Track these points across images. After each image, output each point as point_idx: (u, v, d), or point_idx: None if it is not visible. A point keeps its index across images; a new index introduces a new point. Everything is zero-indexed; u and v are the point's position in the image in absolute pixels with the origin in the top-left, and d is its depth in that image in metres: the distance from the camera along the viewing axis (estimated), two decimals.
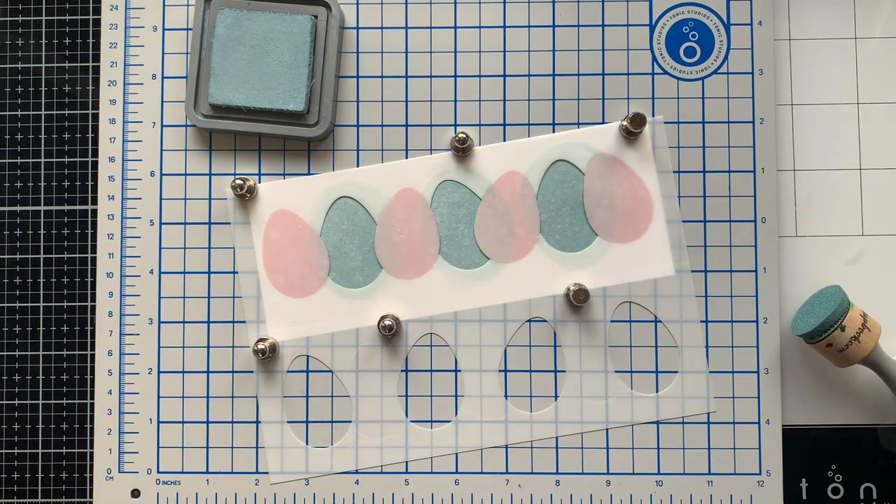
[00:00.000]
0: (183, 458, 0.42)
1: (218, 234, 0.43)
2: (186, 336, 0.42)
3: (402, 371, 0.42)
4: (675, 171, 0.42)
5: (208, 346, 0.42)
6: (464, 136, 0.41)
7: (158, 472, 0.42)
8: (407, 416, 0.42)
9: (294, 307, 0.42)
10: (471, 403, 0.42)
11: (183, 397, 0.42)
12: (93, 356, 0.43)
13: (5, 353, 0.43)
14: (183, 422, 0.42)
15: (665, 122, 0.42)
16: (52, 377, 0.43)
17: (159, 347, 0.42)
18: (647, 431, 0.42)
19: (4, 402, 0.43)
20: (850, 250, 0.43)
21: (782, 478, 0.41)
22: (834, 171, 0.43)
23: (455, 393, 0.42)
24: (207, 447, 0.42)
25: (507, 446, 0.42)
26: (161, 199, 0.43)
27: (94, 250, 0.43)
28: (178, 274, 0.42)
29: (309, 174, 0.43)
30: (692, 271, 0.42)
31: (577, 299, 0.41)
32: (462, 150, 0.41)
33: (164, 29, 0.43)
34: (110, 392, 0.42)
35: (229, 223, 0.42)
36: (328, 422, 0.42)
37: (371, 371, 0.42)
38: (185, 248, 0.42)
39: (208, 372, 0.42)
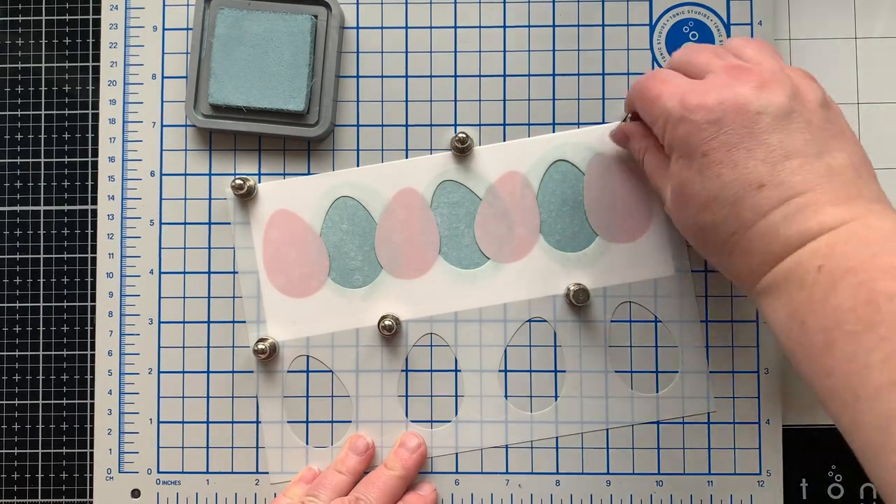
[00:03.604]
0: (183, 458, 0.42)
1: (218, 234, 0.43)
2: (186, 336, 0.42)
3: (402, 371, 0.42)
4: None
5: (208, 346, 0.42)
6: (464, 135, 0.41)
7: (158, 472, 0.42)
8: (407, 416, 0.42)
9: (294, 307, 0.42)
10: (471, 403, 0.42)
11: (183, 397, 0.42)
12: (93, 356, 0.43)
13: (5, 353, 0.43)
14: (183, 422, 0.42)
15: None
16: (52, 377, 0.43)
17: (159, 347, 0.42)
18: (647, 431, 0.42)
19: (4, 402, 0.43)
20: None
21: (782, 478, 0.41)
22: None
23: (455, 393, 0.42)
24: (207, 447, 0.42)
25: (507, 446, 0.42)
26: (161, 199, 0.43)
27: (94, 250, 0.43)
28: (178, 274, 0.42)
29: (309, 174, 0.43)
30: (692, 271, 0.42)
31: (577, 299, 0.41)
32: (462, 149, 0.41)
33: (164, 29, 0.43)
34: (110, 392, 0.42)
35: (229, 223, 0.42)
36: (328, 422, 0.42)
37: (371, 371, 0.42)
38: (185, 248, 0.42)
39: (208, 372, 0.42)
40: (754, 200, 0.31)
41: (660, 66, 0.42)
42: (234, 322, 0.42)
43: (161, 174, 0.43)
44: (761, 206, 0.30)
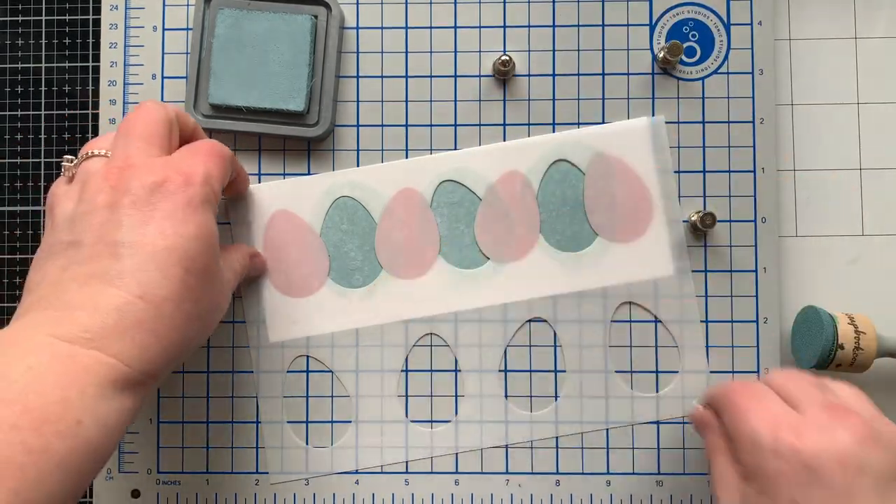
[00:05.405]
0: (183, 458, 0.42)
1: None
2: None
3: (402, 371, 0.42)
4: (675, 171, 0.42)
5: (208, 347, 0.42)
6: (507, 58, 0.41)
7: (158, 472, 0.42)
8: (407, 416, 0.42)
9: (294, 307, 0.42)
10: (471, 403, 0.42)
11: (183, 397, 0.42)
12: None
13: None
14: (183, 422, 0.42)
15: (665, 122, 0.42)
16: None
17: None
18: (647, 431, 0.42)
19: None
20: (850, 250, 0.43)
21: None
22: (834, 171, 0.43)
23: (455, 393, 0.42)
24: (207, 447, 0.42)
25: (507, 446, 0.42)
26: None
27: None
28: None
29: (309, 174, 0.43)
30: (692, 271, 0.42)
31: (704, 224, 0.40)
32: (504, 72, 0.41)
33: (164, 29, 0.43)
34: None
35: (229, 223, 0.42)
36: (328, 422, 0.42)
37: (371, 371, 0.42)
38: None
39: (208, 372, 0.42)
40: None
41: (660, 66, 0.42)
42: (233, 322, 0.42)
43: None
44: None
